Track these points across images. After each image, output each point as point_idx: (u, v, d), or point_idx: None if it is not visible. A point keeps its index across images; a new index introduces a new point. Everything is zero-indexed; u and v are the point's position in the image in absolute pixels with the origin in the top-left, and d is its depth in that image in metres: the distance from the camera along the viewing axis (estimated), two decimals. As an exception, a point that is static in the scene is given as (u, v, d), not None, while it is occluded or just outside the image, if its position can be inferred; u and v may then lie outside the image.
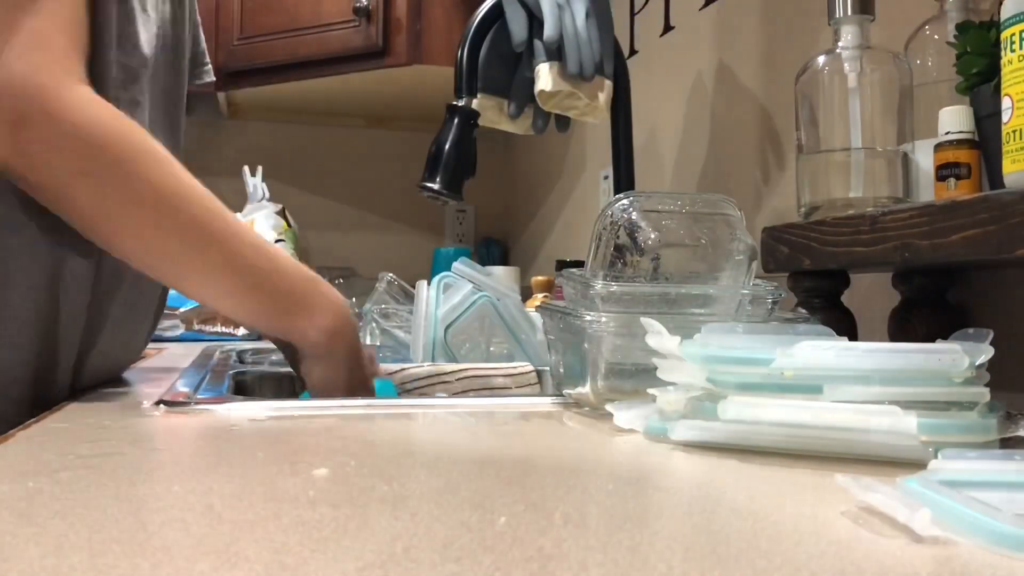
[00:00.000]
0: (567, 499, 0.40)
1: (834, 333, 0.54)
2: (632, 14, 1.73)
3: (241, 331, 1.69)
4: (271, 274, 0.75)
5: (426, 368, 1.01)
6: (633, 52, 1.71)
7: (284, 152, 2.49)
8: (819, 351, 0.49)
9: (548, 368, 0.92)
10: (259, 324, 0.79)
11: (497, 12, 1.28)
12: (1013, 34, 0.63)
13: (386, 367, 0.91)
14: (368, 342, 1.20)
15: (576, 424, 0.63)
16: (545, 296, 1.52)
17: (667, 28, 1.60)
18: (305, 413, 0.67)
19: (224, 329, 1.69)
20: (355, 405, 0.72)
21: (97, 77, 0.72)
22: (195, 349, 1.30)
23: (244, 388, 1.02)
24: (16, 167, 0.67)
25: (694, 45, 1.51)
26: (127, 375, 0.94)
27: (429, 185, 1.26)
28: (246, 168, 2.18)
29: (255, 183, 2.17)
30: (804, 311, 0.83)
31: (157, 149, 0.70)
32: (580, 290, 0.69)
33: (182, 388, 0.79)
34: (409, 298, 1.23)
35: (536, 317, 1.33)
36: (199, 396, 0.74)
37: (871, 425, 0.46)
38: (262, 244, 0.77)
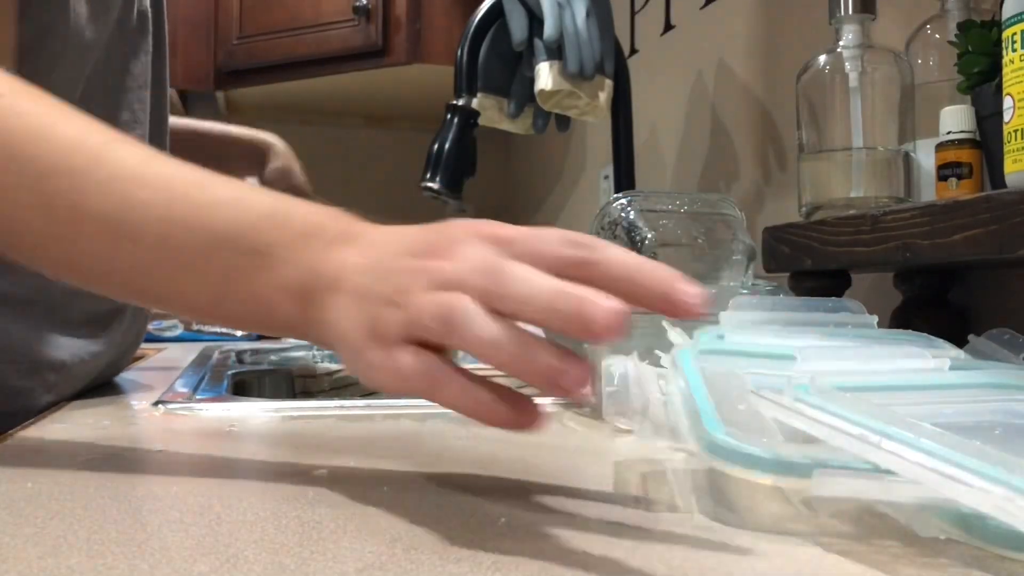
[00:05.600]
0: (567, 499, 0.40)
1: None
2: (632, 13, 1.73)
3: (241, 331, 1.69)
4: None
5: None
6: (633, 51, 1.71)
7: (284, 152, 2.49)
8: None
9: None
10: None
11: (497, 11, 1.28)
12: (1014, 33, 0.63)
13: None
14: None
15: (576, 424, 0.63)
16: (545, 296, 1.51)
17: (667, 27, 1.60)
18: (304, 413, 0.67)
19: (223, 329, 1.68)
20: (355, 405, 0.72)
21: None
22: (194, 349, 1.30)
23: (243, 388, 1.02)
24: None
25: (694, 44, 1.51)
26: (127, 375, 0.94)
27: (429, 185, 1.26)
28: (246, 168, 2.18)
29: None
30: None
31: None
32: (580, 290, 0.69)
33: (181, 388, 0.79)
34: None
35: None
36: (198, 396, 0.74)
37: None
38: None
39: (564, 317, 0.36)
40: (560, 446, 0.54)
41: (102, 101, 0.74)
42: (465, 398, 0.39)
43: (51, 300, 0.71)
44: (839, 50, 0.89)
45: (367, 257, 0.42)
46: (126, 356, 0.89)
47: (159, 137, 0.86)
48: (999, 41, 0.66)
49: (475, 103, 1.27)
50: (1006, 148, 0.64)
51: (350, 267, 0.42)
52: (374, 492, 0.40)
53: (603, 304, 0.35)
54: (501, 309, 0.38)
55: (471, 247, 0.40)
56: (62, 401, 0.76)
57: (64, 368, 0.73)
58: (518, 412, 0.38)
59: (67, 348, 0.73)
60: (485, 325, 0.37)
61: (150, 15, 0.83)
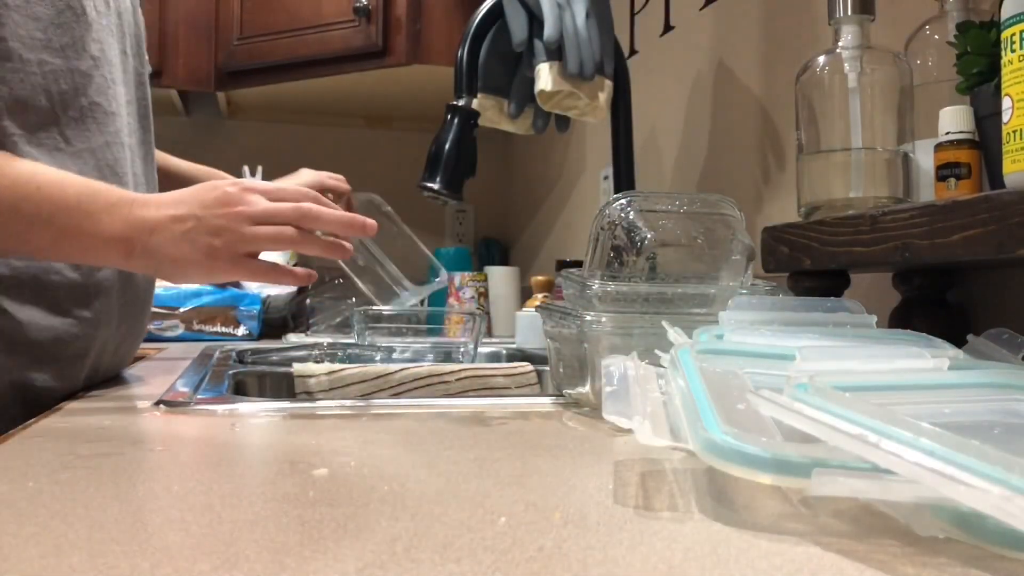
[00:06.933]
0: (567, 499, 0.40)
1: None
2: (632, 14, 1.73)
3: (241, 331, 1.69)
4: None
5: (426, 368, 1.01)
6: (633, 52, 1.71)
7: (284, 152, 2.49)
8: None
9: (548, 368, 0.92)
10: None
11: (497, 12, 1.28)
12: (1013, 34, 0.63)
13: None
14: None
15: (576, 424, 0.63)
16: (545, 296, 1.52)
17: (667, 28, 1.60)
18: (305, 413, 0.67)
19: (224, 329, 1.69)
20: (355, 405, 0.72)
21: None
22: (195, 349, 1.30)
23: (244, 388, 1.02)
24: None
25: (694, 45, 1.51)
26: (127, 374, 0.94)
27: (429, 185, 1.26)
28: (246, 168, 2.18)
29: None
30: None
31: None
32: (579, 290, 0.69)
33: (182, 388, 0.79)
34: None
35: (531, 316, 1.33)
36: (199, 396, 0.74)
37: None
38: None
39: (355, 227, 0.74)
40: (560, 446, 0.54)
41: (85, 90, 0.81)
42: (296, 272, 0.76)
43: (24, 281, 0.74)
44: (838, 51, 0.89)
45: (171, 212, 0.69)
46: (125, 344, 0.90)
47: (142, 128, 0.92)
48: (998, 42, 0.66)
49: (475, 103, 1.27)
50: (1005, 148, 0.64)
51: (162, 219, 0.69)
52: (374, 492, 0.40)
53: (369, 219, 0.75)
54: (303, 227, 0.72)
55: (254, 196, 0.71)
56: (68, 396, 0.76)
57: (37, 345, 0.74)
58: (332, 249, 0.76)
59: (42, 328, 0.76)
60: (306, 234, 0.73)
61: (129, 18, 0.88)
